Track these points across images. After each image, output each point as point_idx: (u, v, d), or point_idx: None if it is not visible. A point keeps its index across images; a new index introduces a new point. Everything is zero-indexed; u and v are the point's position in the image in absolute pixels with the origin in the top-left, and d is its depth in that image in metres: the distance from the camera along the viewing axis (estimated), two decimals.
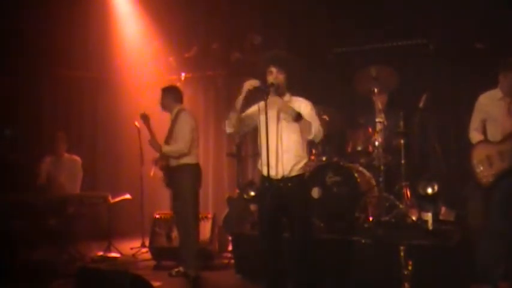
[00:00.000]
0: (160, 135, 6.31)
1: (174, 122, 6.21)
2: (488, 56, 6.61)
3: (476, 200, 5.84)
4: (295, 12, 7.88)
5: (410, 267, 4.43)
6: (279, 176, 4.51)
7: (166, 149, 6.12)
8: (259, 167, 4.70)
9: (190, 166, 6.15)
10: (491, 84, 5.23)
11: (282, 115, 4.56)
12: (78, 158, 7.71)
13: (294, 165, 4.55)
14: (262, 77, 4.60)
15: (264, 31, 8.23)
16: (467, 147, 5.39)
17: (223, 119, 4.81)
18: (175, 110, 6.26)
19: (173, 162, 6.15)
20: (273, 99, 4.50)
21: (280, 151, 4.50)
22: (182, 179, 6.10)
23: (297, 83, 4.67)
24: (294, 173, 4.56)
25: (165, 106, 6.33)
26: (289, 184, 4.52)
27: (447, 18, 7.04)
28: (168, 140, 6.19)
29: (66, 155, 7.64)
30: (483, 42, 6.76)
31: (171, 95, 6.33)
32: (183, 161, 6.11)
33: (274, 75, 4.54)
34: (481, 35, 6.76)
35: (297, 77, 4.68)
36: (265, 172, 4.51)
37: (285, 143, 4.53)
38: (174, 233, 6.67)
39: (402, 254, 4.47)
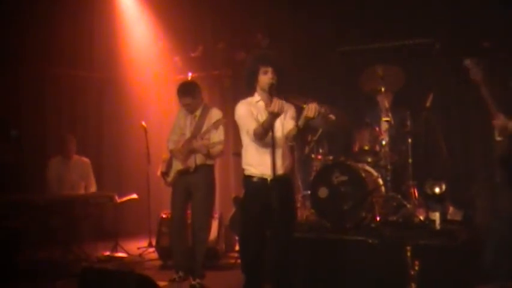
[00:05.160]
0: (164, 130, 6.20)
1: (203, 117, 5.91)
2: (495, 54, 6.58)
3: (484, 198, 5.83)
4: (301, 11, 7.86)
5: (416, 268, 4.41)
6: (272, 176, 4.35)
7: (218, 149, 5.84)
8: (245, 166, 4.60)
9: (213, 167, 6.01)
10: (498, 83, 5.20)
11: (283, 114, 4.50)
12: (87, 160, 7.70)
13: (287, 164, 4.54)
14: (252, 77, 4.55)
15: (269, 30, 8.22)
16: (474, 146, 5.39)
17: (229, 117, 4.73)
18: (202, 105, 6.01)
19: (197, 161, 5.85)
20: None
21: (275, 150, 4.38)
22: (206, 178, 5.91)
23: (287, 83, 4.60)
24: (285, 172, 4.53)
25: (196, 105, 5.97)
26: (281, 183, 4.47)
27: (453, 17, 7.02)
28: (196, 135, 5.85)
29: (76, 156, 7.63)
30: (490, 41, 6.73)
31: (200, 92, 6.03)
32: (209, 161, 5.92)
33: (271, 76, 4.48)
34: (488, 34, 6.73)
35: (288, 76, 4.62)
36: (257, 172, 4.49)
37: (279, 142, 4.49)
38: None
39: (409, 254, 4.45)
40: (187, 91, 5.93)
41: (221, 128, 5.86)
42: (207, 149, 5.77)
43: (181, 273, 5.90)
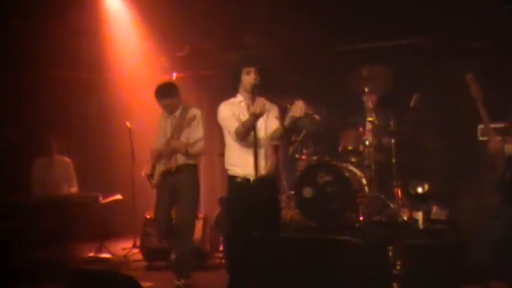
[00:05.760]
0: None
1: (182, 117, 5.86)
2: (484, 55, 6.63)
3: (472, 198, 5.87)
4: (289, 11, 7.88)
5: (398, 267, 4.44)
6: (255, 176, 4.40)
7: (197, 147, 5.79)
8: (229, 167, 4.63)
9: (196, 166, 5.98)
10: (489, 83, 5.22)
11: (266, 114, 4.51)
12: (69, 160, 7.70)
13: (271, 164, 4.56)
14: (236, 77, 4.57)
15: (257, 31, 8.22)
16: (461, 146, 5.43)
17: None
18: (181, 105, 5.97)
19: (178, 161, 5.82)
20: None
21: (258, 150, 4.41)
22: (189, 179, 5.87)
23: (271, 83, 4.63)
24: (268, 172, 4.56)
25: (176, 105, 5.94)
26: (265, 183, 4.50)
27: (444, 17, 7.04)
28: (175, 136, 5.82)
29: (58, 156, 7.63)
30: (480, 42, 6.77)
31: (178, 92, 6.01)
32: (191, 161, 5.88)
33: (254, 76, 4.49)
34: (479, 34, 6.77)
35: (272, 77, 4.65)
36: (241, 172, 4.51)
37: (262, 142, 4.51)
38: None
39: (390, 253, 4.48)
40: (165, 92, 5.93)
41: (200, 126, 5.85)
42: (185, 147, 5.76)
43: (183, 281, 5.80)
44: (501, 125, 5.12)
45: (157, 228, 6.17)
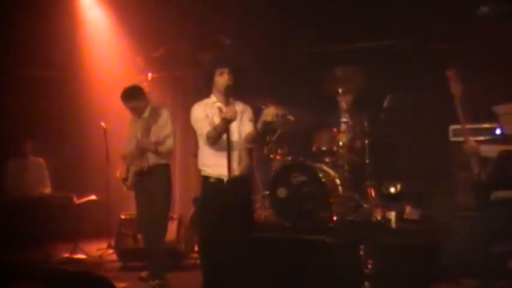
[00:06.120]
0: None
1: (151, 118, 5.89)
2: (458, 57, 6.71)
3: (443, 197, 5.94)
4: (264, 12, 7.90)
5: (370, 266, 4.49)
6: (228, 176, 4.43)
7: (167, 144, 5.82)
8: (202, 168, 4.65)
9: (168, 166, 6.01)
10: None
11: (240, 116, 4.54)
12: (42, 160, 7.66)
13: (244, 166, 4.59)
14: (209, 78, 4.58)
15: (232, 32, 8.24)
16: (433, 147, 5.49)
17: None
18: (149, 107, 5.99)
19: (150, 161, 5.86)
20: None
21: (231, 151, 4.43)
22: (161, 179, 5.90)
23: (245, 84, 4.66)
24: (242, 173, 4.58)
25: (142, 107, 5.97)
26: (238, 184, 4.53)
27: (416, 20, 7.12)
28: (143, 135, 5.86)
29: (32, 157, 7.59)
30: (452, 44, 6.85)
31: (144, 94, 6.05)
32: (162, 160, 5.90)
33: (227, 77, 4.50)
34: (450, 36, 6.85)
35: (246, 77, 4.68)
36: (214, 173, 4.54)
37: (235, 143, 4.53)
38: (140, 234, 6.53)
39: (362, 253, 4.53)
40: (130, 95, 5.96)
41: (168, 124, 5.89)
42: (155, 145, 5.79)
43: (157, 281, 5.79)
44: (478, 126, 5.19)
45: (139, 229, 6.33)
